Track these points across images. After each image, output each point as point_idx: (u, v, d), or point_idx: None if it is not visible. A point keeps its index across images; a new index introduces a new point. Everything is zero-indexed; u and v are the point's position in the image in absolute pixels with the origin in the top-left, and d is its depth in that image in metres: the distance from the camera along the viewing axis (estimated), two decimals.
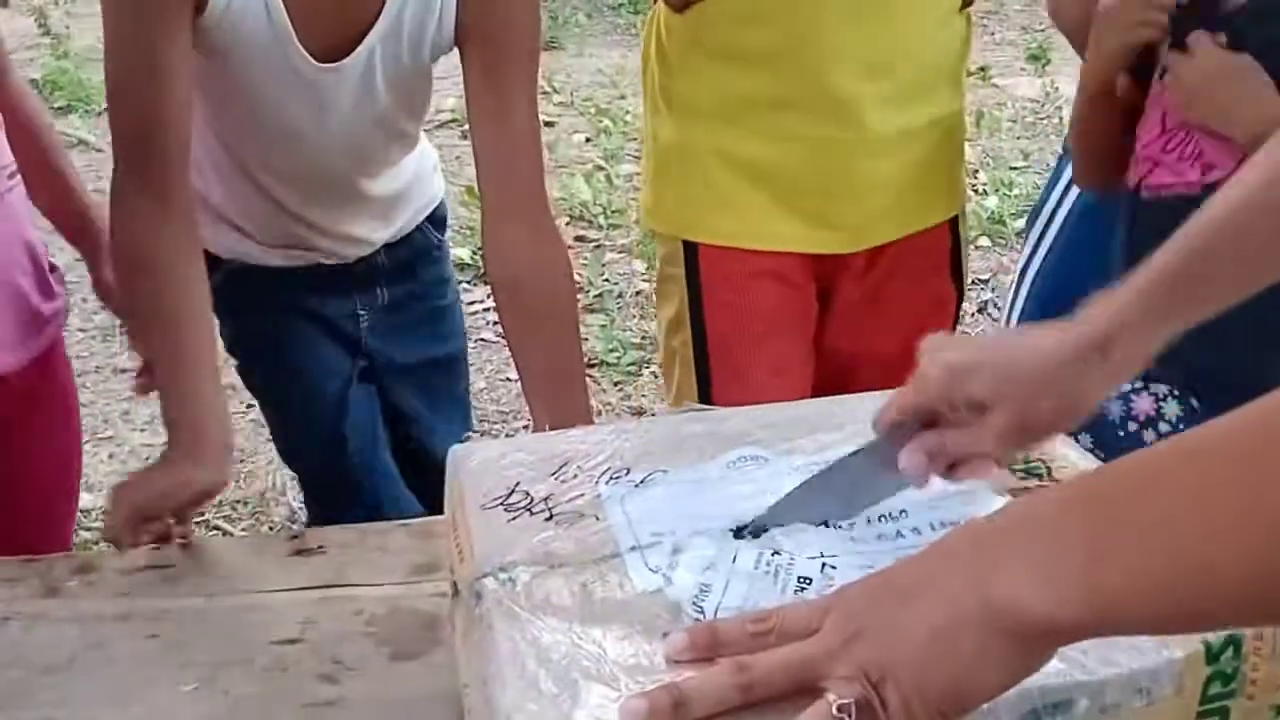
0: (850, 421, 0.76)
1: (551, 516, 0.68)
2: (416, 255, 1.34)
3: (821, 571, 0.62)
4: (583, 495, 0.70)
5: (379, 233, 1.30)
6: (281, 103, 1.11)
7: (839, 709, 0.46)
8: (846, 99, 1.20)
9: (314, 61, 1.07)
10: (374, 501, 1.30)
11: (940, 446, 0.67)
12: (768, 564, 0.63)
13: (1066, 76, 4.98)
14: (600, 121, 4.44)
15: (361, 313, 1.32)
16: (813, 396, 1.29)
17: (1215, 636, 0.58)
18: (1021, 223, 3.47)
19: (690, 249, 1.29)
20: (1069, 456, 0.74)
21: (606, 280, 3.14)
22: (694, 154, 1.26)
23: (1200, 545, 0.42)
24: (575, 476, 0.72)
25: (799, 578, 0.61)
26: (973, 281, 3.02)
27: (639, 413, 2.57)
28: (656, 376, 2.71)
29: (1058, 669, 0.56)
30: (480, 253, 1.21)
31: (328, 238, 1.27)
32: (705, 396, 1.32)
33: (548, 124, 4.48)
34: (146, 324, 1.10)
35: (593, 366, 2.74)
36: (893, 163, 1.26)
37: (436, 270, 1.37)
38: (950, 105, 1.29)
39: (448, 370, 1.42)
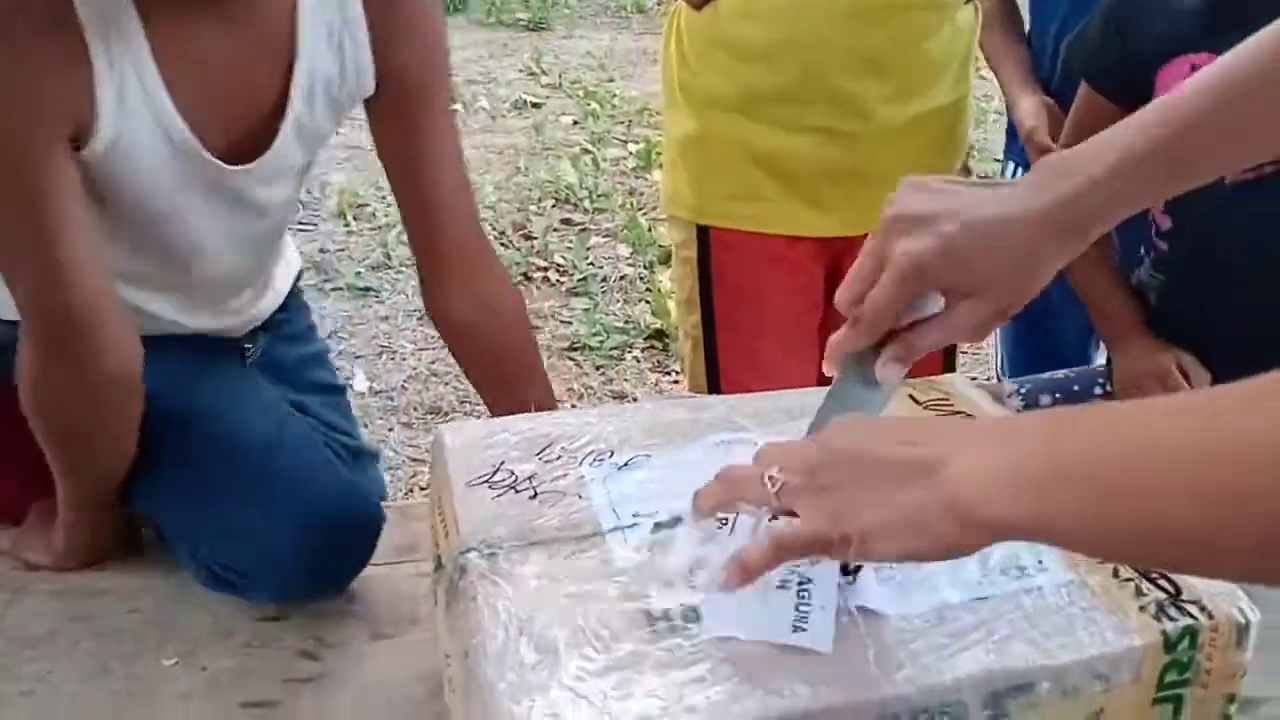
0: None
1: (535, 495, 0.69)
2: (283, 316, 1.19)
3: None
4: (566, 475, 0.71)
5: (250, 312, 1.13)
6: (182, 218, 0.94)
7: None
8: (853, 94, 1.24)
9: (228, 165, 0.91)
10: None
11: (909, 350, 0.67)
12: (764, 534, 0.63)
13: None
14: (588, 104, 4.43)
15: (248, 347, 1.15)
16: (818, 379, 1.33)
17: (1173, 627, 0.60)
18: None
19: (703, 233, 1.33)
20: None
21: (591, 264, 3.14)
22: (708, 144, 1.30)
23: (1154, 496, 0.44)
24: (559, 457, 0.73)
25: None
26: None
27: (620, 397, 2.58)
28: (639, 361, 2.72)
29: (1021, 652, 0.58)
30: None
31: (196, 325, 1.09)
32: (714, 376, 1.37)
33: (535, 105, 4.46)
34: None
35: (576, 350, 2.74)
36: (900, 150, 1.29)
37: (299, 323, 1.23)
38: (957, 92, 1.32)
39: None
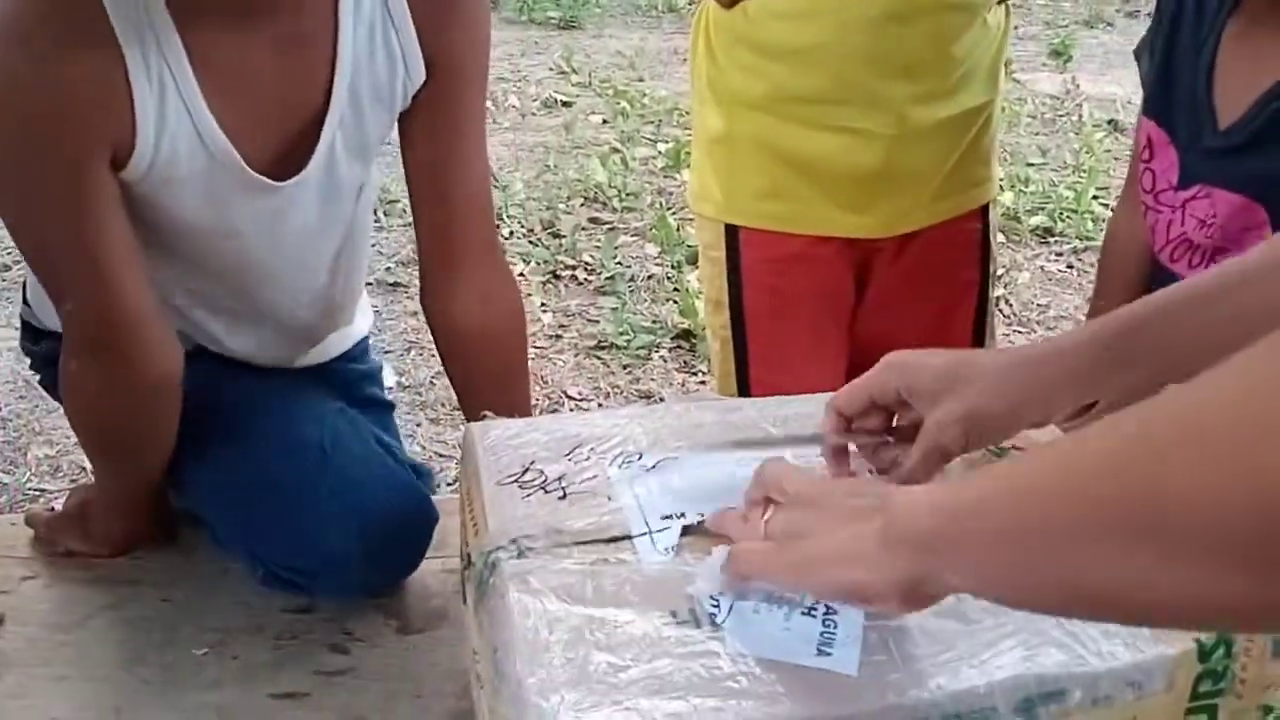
0: None
1: (565, 495, 0.69)
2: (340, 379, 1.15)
3: None
4: (595, 476, 0.71)
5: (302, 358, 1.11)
6: (229, 236, 0.92)
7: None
8: (884, 96, 1.23)
9: (270, 181, 0.89)
10: None
11: (892, 460, 0.71)
12: None
13: (1087, 74, 4.95)
14: (618, 103, 4.43)
15: None
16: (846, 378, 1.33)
17: (1208, 636, 0.59)
18: (1036, 219, 3.46)
19: (731, 232, 1.33)
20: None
21: (619, 263, 3.14)
22: (737, 143, 1.30)
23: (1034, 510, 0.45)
24: (588, 458, 0.73)
25: None
26: None
27: (647, 396, 2.58)
28: (666, 360, 2.72)
29: (1054, 659, 0.57)
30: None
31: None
32: (743, 375, 1.36)
33: (565, 104, 4.47)
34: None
35: (603, 349, 2.75)
36: (930, 152, 1.28)
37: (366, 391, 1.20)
38: (987, 95, 1.31)
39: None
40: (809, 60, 1.22)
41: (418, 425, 2.40)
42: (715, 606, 0.61)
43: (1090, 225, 3.36)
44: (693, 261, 3.00)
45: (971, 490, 0.49)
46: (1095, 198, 3.55)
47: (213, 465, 0.95)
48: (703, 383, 2.61)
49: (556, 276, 3.07)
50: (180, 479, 0.98)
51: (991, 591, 0.49)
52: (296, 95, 0.89)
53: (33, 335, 1.07)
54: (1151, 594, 0.40)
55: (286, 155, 0.90)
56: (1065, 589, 0.44)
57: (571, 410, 2.45)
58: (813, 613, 0.60)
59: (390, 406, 1.24)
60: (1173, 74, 1.12)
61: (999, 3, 1.30)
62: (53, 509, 1.04)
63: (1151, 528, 0.39)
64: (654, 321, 2.85)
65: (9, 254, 2.67)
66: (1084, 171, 3.78)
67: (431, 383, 2.57)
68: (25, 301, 1.07)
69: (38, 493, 2.09)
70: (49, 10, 0.78)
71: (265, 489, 0.92)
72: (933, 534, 0.49)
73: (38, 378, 1.12)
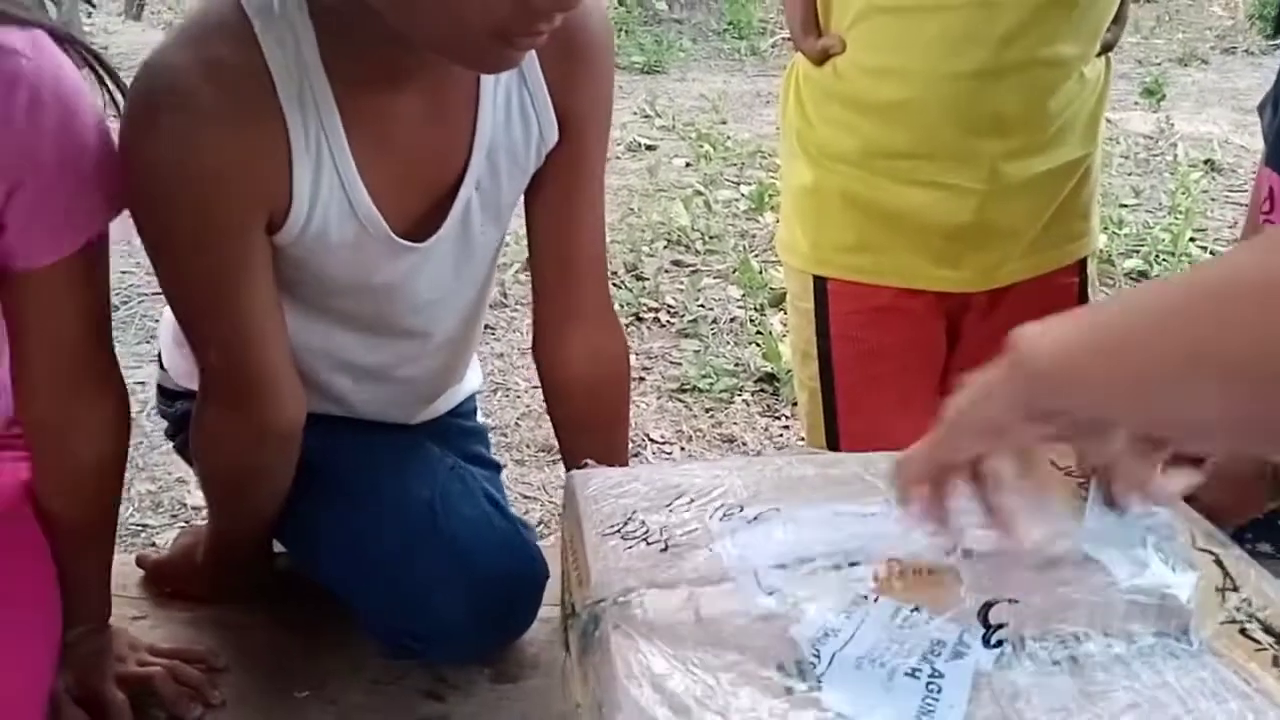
0: None
1: (667, 548, 0.69)
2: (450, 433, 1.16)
3: (960, 639, 0.61)
4: (696, 529, 0.71)
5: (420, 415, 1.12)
6: (368, 293, 0.94)
7: None
8: (975, 152, 1.21)
9: (408, 243, 0.90)
10: None
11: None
12: (904, 619, 0.62)
13: (1182, 112, 4.84)
14: (701, 146, 4.47)
15: None
16: None
17: None
18: (1131, 263, 3.38)
19: (820, 284, 1.32)
20: None
21: (701, 306, 3.14)
22: (826, 195, 1.29)
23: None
24: (689, 509, 0.73)
25: (933, 641, 0.61)
26: None
27: (729, 440, 2.56)
28: (748, 404, 2.70)
29: None
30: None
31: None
32: (831, 428, 1.35)
33: (649, 148, 4.52)
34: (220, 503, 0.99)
35: (685, 392, 2.74)
36: (1023, 206, 1.26)
37: (466, 404, 1.21)
38: (1085, 148, 1.28)
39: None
40: (898, 116, 1.22)
41: (504, 467, 2.41)
42: (815, 657, 0.59)
43: (1187, 268, 3.27)
44: (776, 304, 2.98)
45: (1085, 329, 0.61)
46: (1192, 240, 3.45)
47: (324, 521, 0.96)
48: (786, 427, 2.59)
49: (639, 319, 3.09)
50: (294, 534, 1.00)
51: (1100, 409, 0.61)
52: (438, 160, 0.90)
53: (168, 397, 1.10)
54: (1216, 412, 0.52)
55: (424, 216, 0.91)
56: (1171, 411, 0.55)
57: (654, 453, 2.45)
58: (916, 674, 0.59)
59: (498, 467, 1.24)
60: None
61: (1098, 56, 1.27)
62: (154, 544, 1.07)
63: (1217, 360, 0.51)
64: (736, 364, 2.84)
65: (116, 294, 2.77)
66: (1180, 213, 3.69)
67: (517, 424, 2.59)
68: (161, 366, 1.10)
69: (139, 527, 2.16)
70: (216, 72, 0.79)
71: (373, 549, 0.92)
72: (1051, 363, 0.61)
73: (172, 443, 1.14)
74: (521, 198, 0.98)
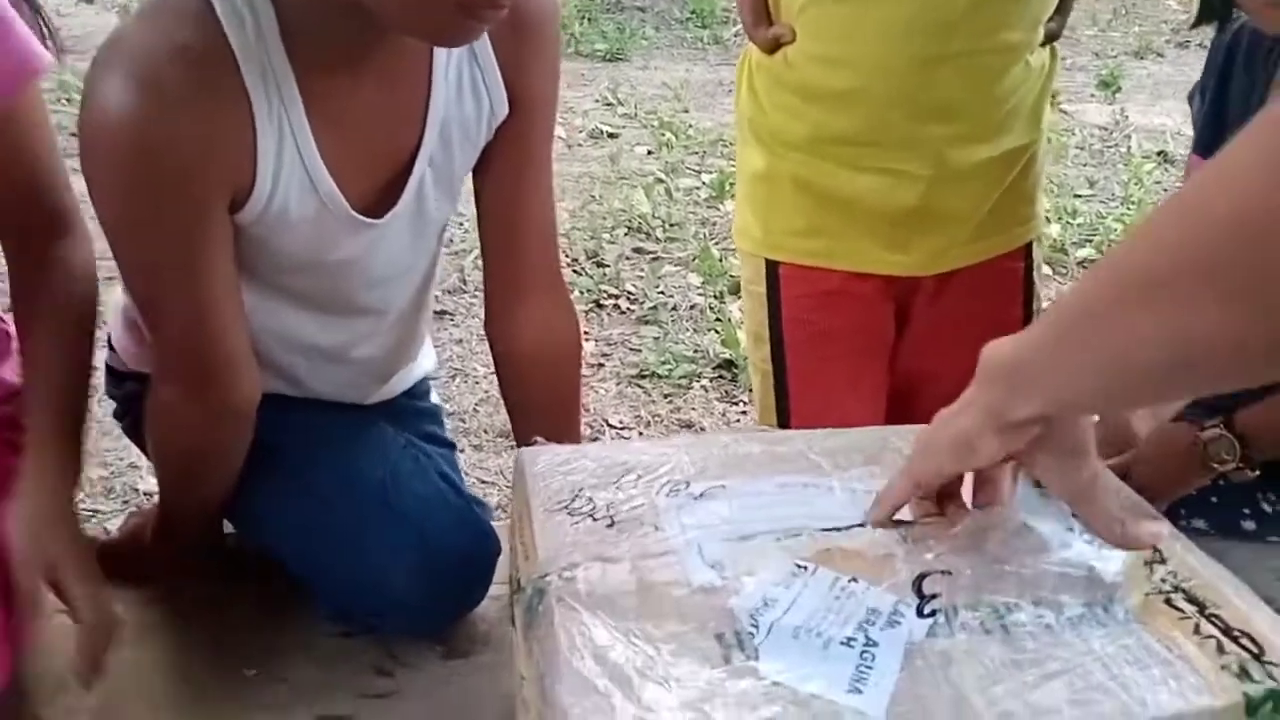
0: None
1: (613, 523, 0.70)
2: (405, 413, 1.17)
3: (894, 609, 0.63)
4: (643, 504, 0.72)
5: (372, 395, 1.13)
6: (323, 271, 0.95)
7: None
8: (921, 138, 1.23)
9: (366, 219, 0.91)
10: None
11: None
12: (841, 590, 0.64)
13: (1136, 105, 4.91)
14: (663, 135, 4.47)
15: None
16: (886, 415, 1.33)
17: (1256, 689, 0.58)
18: (1084, 252, 3.43)
19: (772, 268, 1.34)
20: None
21: (662, 293, 3.15)
22: (778, 181, 1.31)
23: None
24: (636, 486, 0.74)
25: (869, 610, 0.62)
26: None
27: (688, 426, 2.58)
28: (707, 390, 2.72)
29: (1100, 709, 0.57)
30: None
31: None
32: (783, 408, 1.37)
33: (610, 135, 4.51)
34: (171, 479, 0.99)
35: (644, 378, 2.75)
36: (969, 192, 1.28)
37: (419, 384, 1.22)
38: (1030, 135, 1.30)
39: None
40: (847, 103, 1.23)
41: (461, 452, 2.41)
42: (754, 627, 0.61)
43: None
44: (735, 292, 3.00)
45: (1040, 323, 0.64)
46: None
47: (277, 499, 0.96)
48: (744, 413, 2.61)
49: (600, 306, 3.09)
50: (247, 513, 1.00)
51: (1072, 398, 0.63)
52: (393, 137, 0.91)
53: (117, 379, 1.10)
54: (1175, 338, 0.53)
55: (380, 192, 0.92)
56: (1117, 365, 0.57)
57: (613, 439, 2.46)
58: (851, 644, 0.60)
59: (451, 446, 1.25)
60: (1225, 113, 1.13)
61: (1043, 44, 1.29)
62: (106, 530, 1.06)
63: (1167, 287, 0.53)
64: (696, 351, 2.86)
65: None
66: (1132, 203, 3.75)
67: (475, 410, 2.59)
68: (110, 348, 1.09)
69: (91, 513, 2.13)
70: (181, 54, 0.78)
71: (327, 528, 0.93)
72: (1014, 360, 0.63)
73: (120, 424, 1.14)
74: (470, 175, 0.99)
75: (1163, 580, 0.67)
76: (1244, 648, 0.61)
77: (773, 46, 1.27)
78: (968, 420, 0.65)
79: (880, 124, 1.23)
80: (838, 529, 0.70)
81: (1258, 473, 1.06)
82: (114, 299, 1.10)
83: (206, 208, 0.83)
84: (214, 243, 0.84)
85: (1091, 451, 0.67)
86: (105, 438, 2.32)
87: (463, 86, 0.92)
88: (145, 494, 2.14)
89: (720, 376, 2.77)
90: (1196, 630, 0.63)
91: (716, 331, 2.91)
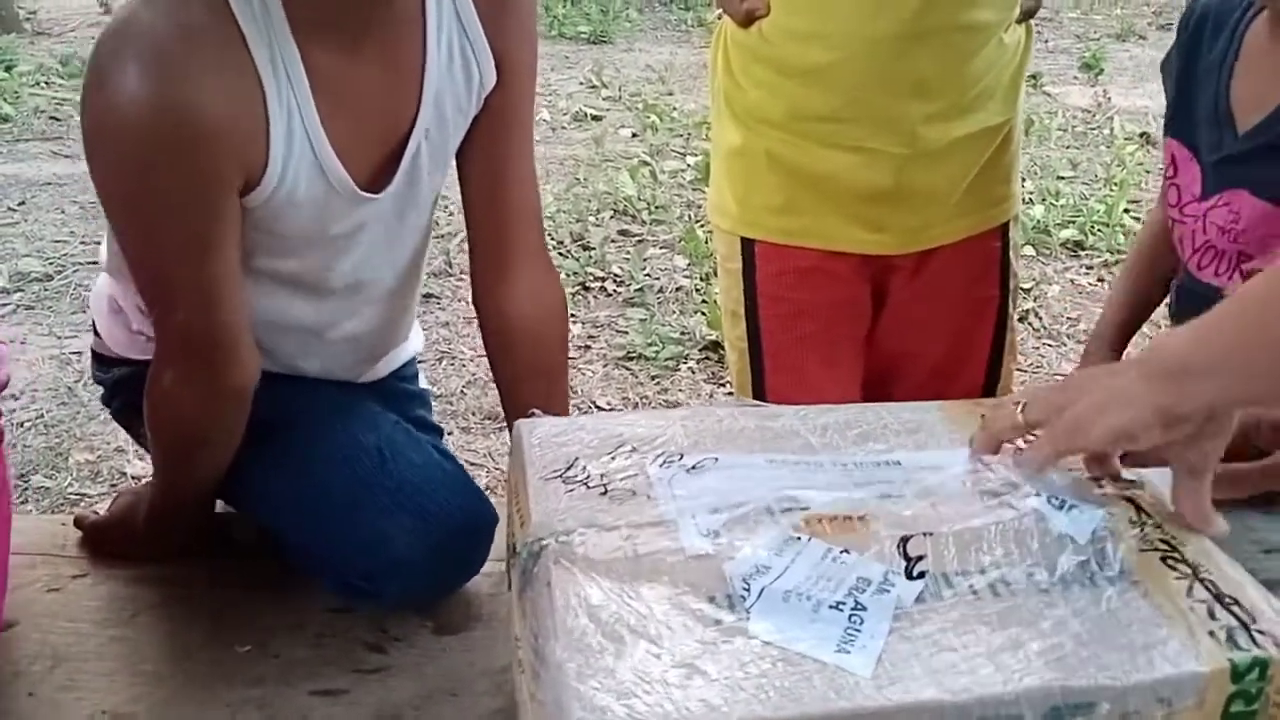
0: (901, 431, 0.79)
1: (606, 492, 0.71)
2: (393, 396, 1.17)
3: (884, 577, 0.63)
4: (636, 475, 0.73)
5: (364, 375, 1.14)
6: (321, 248, 0.95)
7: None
8: (895, 115, 1.23)
9: (366, 194, 0.92)
10: None
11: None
12: (834, 559, 0.64)
13: (1119, 87, 4.94)
14: (647, 117, 4.46)
15: None
16: (861, 394, 1.33)
17: (1242, 657, 0.59)
18: (1067, 233, 3.45)
19: (747, 245, 1.33)
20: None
21: (648, 275, 3.16)
22: (753, 158, 1.31)
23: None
24: (630, 457, 0.74)
25: (859, 577, 0.63)
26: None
27: (674, 407, 2.59)
28: (694, 372, 2.73)
29: (1084, 671, 0.58)
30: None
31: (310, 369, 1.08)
32: (759, 385, 1.36)
33: (595, 118, 4.51)
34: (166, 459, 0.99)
35: (631, 360, 2.76)
36: (945, 171, 1.28)
37: (408, 368, 1.22)
38: (1005, 114, 1.30)
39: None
40: (822, 79, 1.22)
41: (449, 434, 2.42)
42: (746, 590, 0.62)
43: (1121, 239, 3.35)
44: None
45: (1214, 317, 0.65)
46: (1126, 211, 3.53)
47: (274, 472, 0.96)
48: (730, 394, 2.61)
49: (586, 288, 3.10)
50: (244, 489, 1.00)
51: (1243, 393, 0.66)
52: (391, 112, 0.91)
53: (103, 364, 1.09)
54: None
55: (378, 167, 0.92)
56: None
57: None
58: (840, 607, 0.61)
59: (440, 432, 1.25)
60: (1193, 91, 1.14)
61: (1018, 22, 1.29)
62: (95, 512, 1.06)
63: None
64: (682, 333, 2.86)
65: (50, 264, 2.73)
66: (1115, 184, 3.77)
67: (462, 392, 2.59)
68: (96, 334, 1.09)
69: (78, 496, 2.13)
70: (195, 36, 0.78)
71: (325, 497, 0.93)
72: (1188, 354, 0.65)
73: (108, 408, 1.13)
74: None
75: (1160, 540, 0.68)
76: (1234, 615, 0.62)
77: (747, 19, 1.26)
78: (1135, 413, 0.66)
79: (856, 100, 1.22)
80: (830, 504, 0.70)
81: None
82: (97, 285, 1.10)
83: (221, 189, 0.83)
84: (225, 224, 0.84)
85: (1230, 435, 0.70)
86: (91, 422, 2.31)
87: (454, 58, 0.92)
88: (133, 478, 2.14)
89: (706, 358, 2.78)
90: (1189, 592, 0.63)
91: (703, 313, 2.92)
